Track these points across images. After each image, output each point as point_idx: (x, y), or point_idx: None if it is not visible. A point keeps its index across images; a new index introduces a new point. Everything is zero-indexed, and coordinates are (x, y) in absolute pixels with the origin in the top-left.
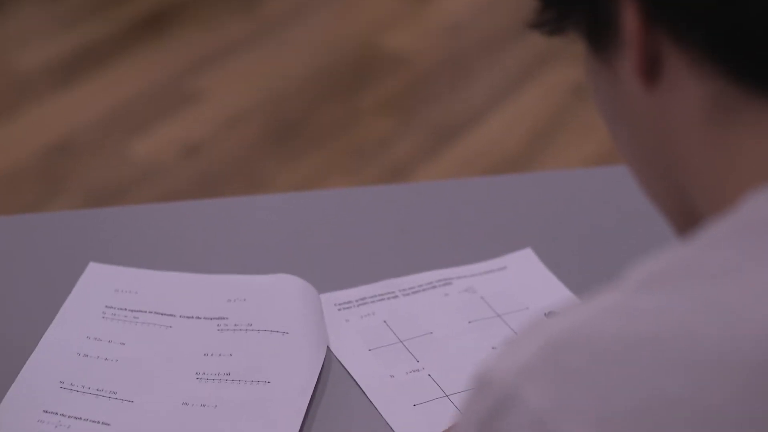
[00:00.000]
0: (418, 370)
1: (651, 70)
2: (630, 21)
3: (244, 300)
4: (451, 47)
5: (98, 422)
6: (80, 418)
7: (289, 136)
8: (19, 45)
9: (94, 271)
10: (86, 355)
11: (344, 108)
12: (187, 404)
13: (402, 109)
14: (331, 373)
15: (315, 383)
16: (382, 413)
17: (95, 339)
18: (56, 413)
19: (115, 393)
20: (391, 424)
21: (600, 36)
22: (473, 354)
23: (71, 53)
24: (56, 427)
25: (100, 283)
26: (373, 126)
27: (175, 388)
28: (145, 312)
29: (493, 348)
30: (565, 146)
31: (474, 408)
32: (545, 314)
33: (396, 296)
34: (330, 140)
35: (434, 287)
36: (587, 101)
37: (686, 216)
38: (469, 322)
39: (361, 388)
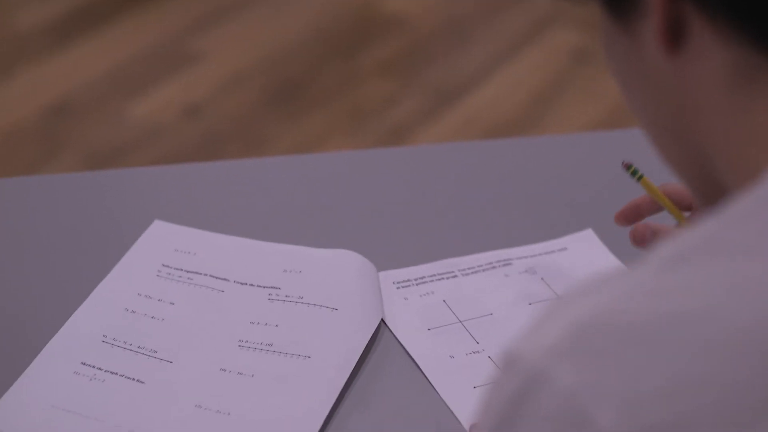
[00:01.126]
0: (478, 352)
1: (673, 37)
2: None
3: (300, 272)
4: (451, 9)
5: (133, 379)
6: (116, 374)
7: (290, 98)
8: (17, 5)
9: (158, 228)
10: (134, 312)
11: (345, 69)
12: (224, 370)
13: (402, 71)
14: (389, 351)
15: (355, 363)
16: (441, 394)
17: (146, 296)
18: (93, 366)
19: (156, 352)
20: (450, 406)
21: (620, 1)
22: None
23: (69, 13)
24: (91, 380)
25: (160, 241)
26: (374, 88)
27: (216, 353)
28: (201, 274)
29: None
30: (566, 110)
31: (503, 387)
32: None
33: (455, 276)
34: (330, 102)
35: (494, 267)
36: (587, 65)
37: (705, 181)
38: (530, 303)
39: (419, 368)
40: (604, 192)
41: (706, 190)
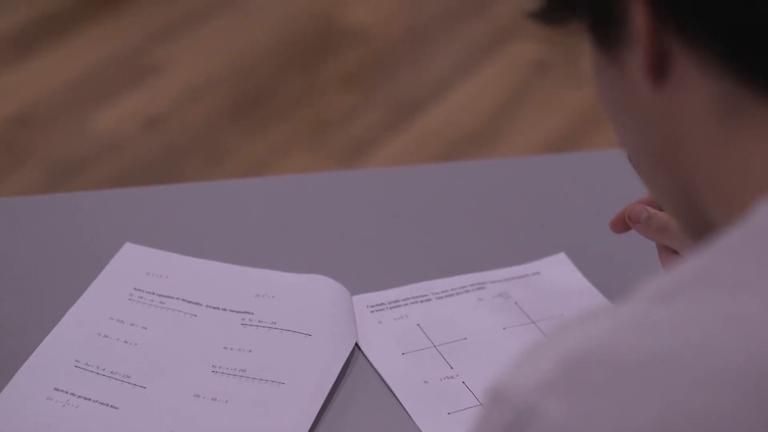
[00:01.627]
0: (452, 377)
1: (659, 68)
2: (638, 18)
3: (273, 297)
4: (411, 21)
5: (107, 405)
6: (90, 399)
7: (251, 110)
8: None
9: (129, 251)
10: (106, 336)
11: (305, 82)
12: (198, 396)
13: (363, 83)
14: (364, 376)
15: (329, 389)
16: (415, 420)
17: (118, 320)
18: (66, 392)
19: (129, 377)
20: None
21: (607, 31)
22: (508, 362)
23: (28, 24)
24: (64, 406)
25: (132, 264)
26: (335, 100)
27: (189, 378)
28: (173, 298)
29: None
30: (528, 121)
31: (491, 423)
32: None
33: (429, 299)
34: (292, 114)
35: (468, 291)
36: (548, 76)
37: (691, 211)
38: (504, 328)
39: (393, 393)
40: (577, 214)
41: (693, 220)
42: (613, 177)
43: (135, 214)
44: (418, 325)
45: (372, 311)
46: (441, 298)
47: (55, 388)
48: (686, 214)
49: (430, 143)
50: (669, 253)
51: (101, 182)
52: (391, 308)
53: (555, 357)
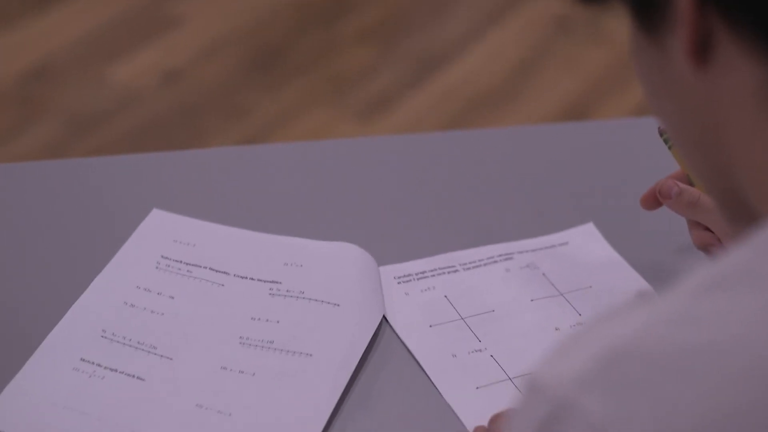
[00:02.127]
0: (480, 350)
1: (702, 52)
2: (682, 0)
3: (301, 266)
4: None
5: (133, 376)
6: (116, 370)
7: (270, 65)
8: None
9: (156, 218)
10: (133, 305)
11: (325, 36)
12: (225, 368)
13: (382, 39)
14: (391, 348)
15: (357, 361)
16: (444, 395)
17: (145, 289)
18: (93, 362)
19: (155, 348)
20: (453, 407)
21: (648, 12)
22: (536, 335)
23: None
24: (90, 376)
25: (159, 232)
26: (354, 55)
27: (216, 350)
28: (200, 267)
29: (556, 329)
30: (549, 79)
31: (528, 416)
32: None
33: (456, 270)
34: (311, 69)
35: (495, 262)
36: (569, 34)
37: (732, 198)
38: (531, 300)
39: (420, 366)
40: (606, 185)
41: (732, 205)
42: (642, 146)
43: (161, 180)
44: (445, 296)
45: (399, 282)
46: (468, 269)
47: (81, 359)
48: (725, 198)
49: (449, 100)
50: (700, 228)
51: (119, 137)
52: (418, 279)
53: (594, 350)
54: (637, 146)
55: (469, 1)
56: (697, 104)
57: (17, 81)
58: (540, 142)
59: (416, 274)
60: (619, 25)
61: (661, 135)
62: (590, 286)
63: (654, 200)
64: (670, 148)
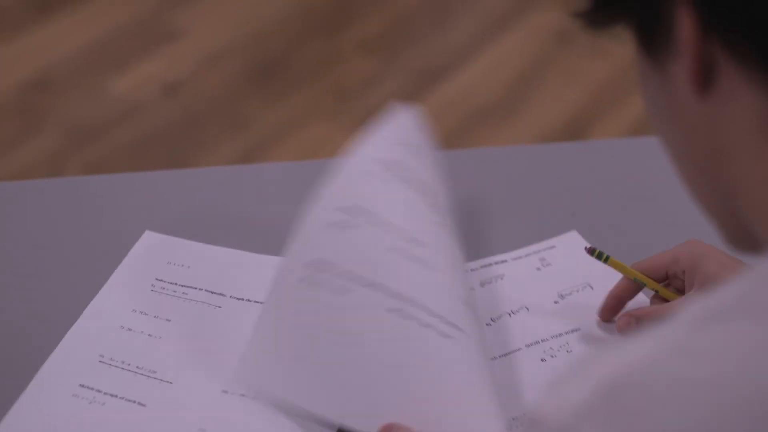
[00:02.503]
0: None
1: (705, 79)
2: (685, 27)
3: None
4: None
5: (134, 402)
6: (116, 396)
7: (271, 76)
8: None
9: (149, 240)
10: (130, 329)
11: (326, 48)
12: (226, 392)
13: (383, 51)
14: None
15: None
16: None
17: (141, 313)
18: (92, 388)
19: (155, 372)
20: None
21: (652, 38)
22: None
23: None
24: (90, 403)
25: (152, 254)
26: (355, 67)
27: (216, 373)
28: (195, 289)
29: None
30: (549, 92)
31: None
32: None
33: None
34: (312, 80)
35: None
36: (570, 46)
37: (735, 224)
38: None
39: None
40: (601, 203)
41: (736, 233)
42: (641, 165)
43: (155, 199)
44: None
45: None
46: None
47: (80, 385)
48: (729, 226)
49: (450, 112)
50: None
51: (120, 148)
52: None
53: (593, 381)
54: (637, 165)
55: (470, 13)
56: (700, 129)
57: (18, 92)
58: (536, 161)
59: None
60: (620, 39)
61: (591, 253)
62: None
63: (610, 313)
64: (605, 261)
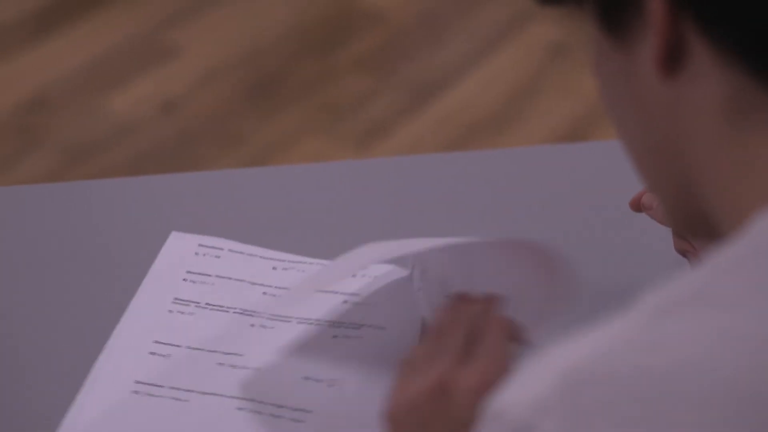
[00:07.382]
0: None
1: (672, 59)
2: (656, 4)
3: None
4: (427, 4)
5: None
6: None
7: (267, 93)
8: None
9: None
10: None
11: (321, 65)
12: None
13: (379, 67)
14: None
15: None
16: None
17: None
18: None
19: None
20: None
21: (617, 17)
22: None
23: (45, 6)
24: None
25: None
26: (350, 83)
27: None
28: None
29: None
30: (545, 106)
31: None
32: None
33: None
34: (307, 97)
35: None
36: (565, 60)
37: (688, 210)
38: None
39: None
40: (602, 204)
41: (688, 218)
42: (609, 166)
43: (176, 202)
44: None
45: None
46: None
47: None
48: (682, 211)
49: (445, 127)
50: (683, 238)
51: (117, 166)
52: None
53: (551, 374)
54: (622, 168)
55: (464, 27)
56: (662, 114)
57: (15, 111)
58: (524, 164)
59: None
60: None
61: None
62: None
63: (639, 204)
64: None
